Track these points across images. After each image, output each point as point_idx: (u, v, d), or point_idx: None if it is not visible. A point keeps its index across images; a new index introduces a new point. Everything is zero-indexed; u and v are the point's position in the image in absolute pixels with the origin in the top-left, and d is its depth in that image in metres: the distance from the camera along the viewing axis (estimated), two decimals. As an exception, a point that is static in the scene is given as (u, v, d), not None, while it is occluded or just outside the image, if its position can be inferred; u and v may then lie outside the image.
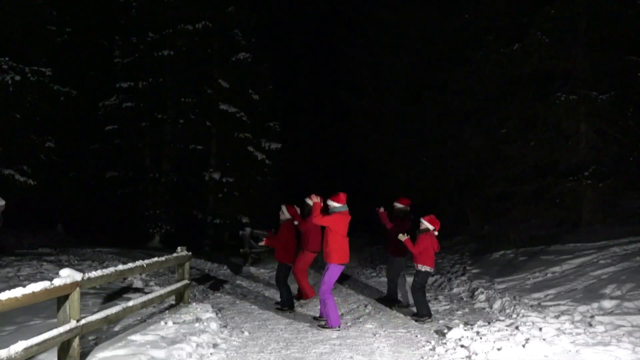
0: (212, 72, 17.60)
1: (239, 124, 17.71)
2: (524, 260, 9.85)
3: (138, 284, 8.41)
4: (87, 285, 4.72)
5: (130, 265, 5.69)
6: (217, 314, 7.08)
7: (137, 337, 5.38)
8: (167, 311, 6.78)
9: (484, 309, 7.53)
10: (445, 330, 6.09)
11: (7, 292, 3.66)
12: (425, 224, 6.99)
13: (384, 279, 10.05)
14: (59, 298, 4.38)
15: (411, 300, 7.51)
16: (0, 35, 12.79)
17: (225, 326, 6.55)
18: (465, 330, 5.86)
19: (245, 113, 17.73)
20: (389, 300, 8.06)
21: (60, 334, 4.24)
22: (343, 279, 10.29)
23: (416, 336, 6.19)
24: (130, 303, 5.65)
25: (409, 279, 8.02)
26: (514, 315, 6.49)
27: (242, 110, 17.71)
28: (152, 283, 8.77)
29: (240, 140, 17.76)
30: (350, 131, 21.72)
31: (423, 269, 6.99)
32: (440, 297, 8.59)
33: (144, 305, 6.03)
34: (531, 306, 7.00)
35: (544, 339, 5.18)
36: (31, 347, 3.83)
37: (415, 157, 19.22)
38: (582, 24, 11.88)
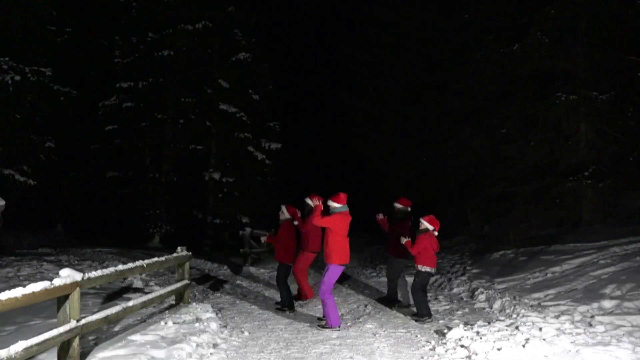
0: (212, 72, 17.60)
1: (239, 124, 17.71)
2: (524, 260, 9.85)
3: (138, 284, 8.41)
4: (87, 285, 4.72)
5: (130, 265, 5.69)
6: (217, 314, 7.08)
7: (137, 337, 5.38)
8: (167, 311, 6.78)
9: (484, 309, 7.53)
10: (445, 330, 6.09)
11: (7, 292, 3.66)
12: (425, 224, 6.99)
13: (384, 279, 10.05)
14: (59, 298, 4.38)
15: (411, 301, 7.51)
16: (0, 35, 12.79)
17: (225, 326, 6.55)
18: (465, 330, 5.86)
19: (245, 113, 17.73)
20: (389, 301, 8.06)
21: (60, 334, 4.24)
22: (343, 279, 10.28)
23: (416, 336, 6.19)
24: (130, 303, 5.65)
25: (409, 279, 8.02)
26: (514, 315, 6.49)
27: (242, 110, 17.71)
28: (152, 283, 8.77)
29: (240, 140, 17.76)
30: (350, 131, 21.72)
31: (423, 270, 6.99)
32: (440, 297, 8.59)
33: (144, 305, 6.03)
34: (531, 306, 7.00)
35: (544, 339, 5.18)
36: (31, 347, 3.83)
37: (415, 157, 19.22)
38: (582, 24, 11.88)
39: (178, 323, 6.04)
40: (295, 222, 8.10)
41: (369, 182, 22.50)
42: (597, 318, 6.11)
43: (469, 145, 15.19)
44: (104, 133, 17.83)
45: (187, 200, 17.76)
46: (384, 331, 6.43)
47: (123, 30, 17.91)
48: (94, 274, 4.83)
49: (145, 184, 17.60)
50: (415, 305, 7.14)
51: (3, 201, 9.58)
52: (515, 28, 12.19)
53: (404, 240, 7.10)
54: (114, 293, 7.57)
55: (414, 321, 6.94)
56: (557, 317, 6.24)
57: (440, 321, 6.89)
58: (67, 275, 4.38)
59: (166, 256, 6.80)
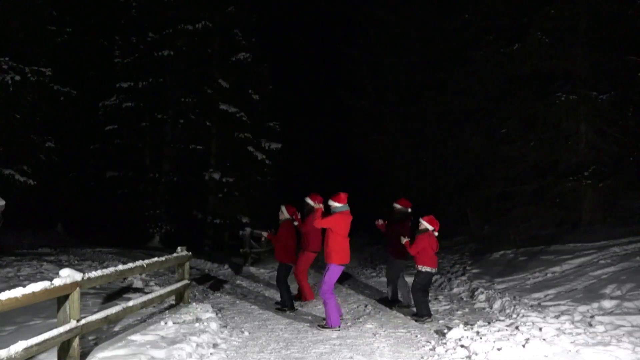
0: (212, 72, 17.60)
1: (239, 124, 17.71)
2: (524, 260, 9.84)
3: (138, 284, 8.41)
4: (87, 285, 4.73)
5: (130, 265, 5.69)
6: (217, 314, 7.08)
7: (137, 337, 5.38)
8: (167, 311, 6.78)
9: (484, 309, 7.53)
10: (445, 330, 6.09)
11: (7, 292, 3.66)
12: (424, 224, 6.99)
13: (384, 279, 10.05)
14: (59, 298, 4.38)
15: (412, 301, 7.51)
16: (0, 35, 12.79)
17: (225, 326, 6.56)
18: (465, 330, 5.86)
19: (245, 113, 17.74)
20: (390, 301, 8.05)
21: (60, 334, 4.24)
22: (343, 279, 10.28)
23: (416, 336, 6.19)
24: (130, 303, 5.65)
25: (409, 279, 8.02)
26: (514, 315, 6.49)
27: (242, 110, 17.72)
28: (152, 283, 8.77)
29: (240, 140, 17.77)
30: (350, 131, 21.72)
31: (424, 270, 6.99)
32: (440, 297, 8.59)
33: (144, 305, 6.03)
34: (531, 306, 7.00)
35: (544, 339, 5.18)
36: (31, 347, 3.83)
37: (415, 157, 19.22)
38: (582, 24, 11.88)
39: (178, 323, 6.04)
40: (295, 223, 8.10)
41: (369, 182, 22.50)
42: (597, 318, 6.11)
43: (469, 145, 15.18)
44: (104, 133, 17.83)
45: (187, 200, 17.77)
46: (384, 331, 6.43)
47: (123, 30, 17.91)
48: (94, 274, 4.83)
49: (145, 184, 17.60)
50: (415, 305, 7.14)
51: (3, 201, 9.58)
52: (515, 28, 12.19)
53: (403, 240, 7.11)
54: (114, 293, 7.58)
55: (414, 321, 6.94)
56: (557, 317, 6.23)
57: (440, 321, 6.89)
58: (67, 275, 4.38)
59: (166, 256, 6.80)
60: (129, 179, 17.76)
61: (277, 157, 19.22)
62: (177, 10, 17.14)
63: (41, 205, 17.57)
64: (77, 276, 4.48)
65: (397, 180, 19.86)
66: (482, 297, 8.00)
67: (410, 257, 7.61)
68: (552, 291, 7.60)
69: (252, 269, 12.23)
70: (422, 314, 6.94)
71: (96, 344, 5.17)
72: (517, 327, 5.65)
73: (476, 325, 6.04)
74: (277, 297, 8.38)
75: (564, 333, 5.39)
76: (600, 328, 5.73)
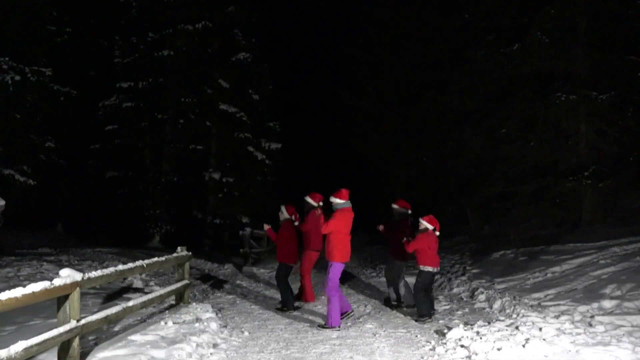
0: (212, 72, 17.60)
1: (239, 124, 17.71)
2: (524, 260, 9.84)
3: (138, 284, 8.42)
4: (87, 285, 4.73)
5: (130, 265, 5.69)
6: (217, 314, 7.08)
7: (137, 337, 5.38)
8: (167, 311, 6.78)
9: (484, 309, 7.53)
10: (445, 330, 6.09)
11: (7, 292, 3.66)
12: (424, 223, 7.00)
13: (384, 279, 10.04)
14: (59, 298, 4.38)
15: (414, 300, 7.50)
16: (0, 35, 12.79)
17: (225, 326, 6.56)
18: (465, 330, 5.86)
19: (245, 113, 17.74)
20: (394, 302, 8.01)
21: (60, 334, 4.24)
22: (343, 279, 10.24)
23: (416, 336, 6.19)
24: (130, 303, 5.65)
25: (409, 279, 8.02)
26: (514, 315, 6.49)
27: (242, 110, 17.72)
28: (152, 283, 8.78)
29: (240, 140, 17.77)
30: (350, 131, 21.70)
31: (425, 269, 6.99)
32: (440, 297, 8.58)
33: (144, 305, 6.03)
34: (531, 306, 6.99)
35: (544, 339, 5.17)
36: (31, 347, 3.83)
37: (415, 157, 19.21)
38: (582, 24, 11.88)
39: (178, 323, 6.04)
40: (296, 223, 8.09)
41: (369, 182, 22.48)
42: (597, 318, 6.11)
43: (469, 145, 15.18)
44: (104, 133, 17.83)
45: (187, 200, 17.77)
46: (384, 331, 6.43)
47: (123, 30, 17.91)
48: (94, 274, 4.83)
49: (145, 184, 17.60)
50: (416, 305, 7.14)
51: (3, 201, 9.59)
52: (515, 28, 12.18)
53: (404, 240, 7.14)
54: (114, 293, 7.58)
55: (414, 321, 6.95)
56: (557, 317, 6.23)
57: (440, 321, 6.89)
58: (67, 275, 4.38)
59: (166, 256, 6.80)
60: (129, 179, 17.76)
61: (277, 157, 19.22)
62: (177, 10, 17.14)
63: (41, 205, 17.57)
64: (77, 276, 4.48)
65: (397, 180, 19.85)
66: (482, 297, 8.00)
67: (410, 258, 7.61)
68: (552, 291, 7.60)
69: (252, 269, 12.23)
70: (422, 313, 6.95)
71: (96, 344, 5.17)
72: (517, 327, 5.65)
73: (476, 325, 6.04)
74: (278, 297, 8.38)
75: (564, 333, 5.39)
76: (600, 328, 5.73)
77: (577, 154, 12.02)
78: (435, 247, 7.02)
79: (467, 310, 7.57)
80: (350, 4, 21.15)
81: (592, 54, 11.83)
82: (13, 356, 3.60)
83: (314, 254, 8.22)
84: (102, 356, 4.83)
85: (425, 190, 18.39)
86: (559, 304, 6.91)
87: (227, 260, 13.15)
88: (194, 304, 7.17)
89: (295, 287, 8.45)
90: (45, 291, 4.00)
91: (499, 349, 5.04)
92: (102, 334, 5.59)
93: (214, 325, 6.16)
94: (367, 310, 7.70)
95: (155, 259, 6.40)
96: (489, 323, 6.10)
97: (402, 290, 7.91)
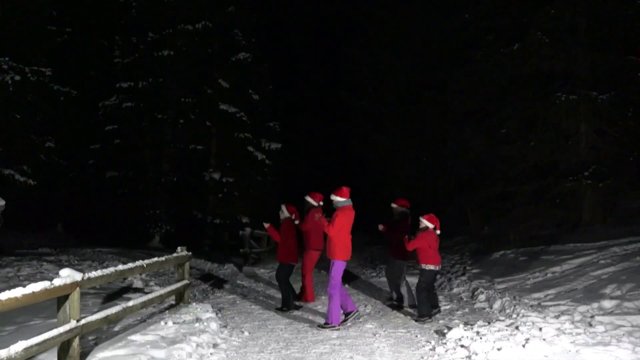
0: (212, 72, 17.60)
1: (239, 124, 17.71)
2: (524, 260, 9.84)
3: (138, 284, 8.41)
4: (87, 285, 4.72)
5: (130, 265, 5.69)
6: (217, 314, 7.08)
7: (137, 337, 5.38)
8: (167, 311, 6.78)
9: (484, 309, 7.53)
10: (445, 330, 6.09)
11: (7, 292, 3.66)
12: (425, 222, 7.00)
13: (384, 279, 10.04)
14: (59, 298, 4.38)
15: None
16: (0, 35, 12.79)
17: (225, 326, 6.56)
18: (465, 330, 5.86)
19: (245, 113, 17.74)
20: (397, 303, 7.99)
21: (60, 334, 4.24)
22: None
23: (416, 336, 6.19)
24: (130, 303, 5.65)
25: (410, 279, 8.02)
26: (514, 315, 6.49)
27: (242, 110, 17.72)
28: (152, 283, 8.78)
29: (240, 140, 17.77)
30: (350, 131, 21.70)
31: (427, 268, 6.98)
32: (440, 297, 8.56)
33: (144, 305, 6.03)
34: (531, 306, 6.99)
35: (544, 339, 5.17)
36: (31, 347, 3.83)
37: (415, 157, 19.20)
38: (582, 24, 11.88)
39: (178, 323, 6.04)
40: (296, 222, 8.09)
41: (369, 182, 22.48)
42: (597, 318, 6.11)
43: (469, 145, 15.18)
44: (104, 133, 17.83)
45: (187, 200, 17.77)
46: (384, 331, 6.43)
47: (123, 30, 17.91)
48: (94, 274, 4.83)
49: (145, 184, 17.60)
50: (417, 304, 7.13)
51: (3, 201, 9.58)
52: (515, 28, 12.18)
53: (405, 238, 7.12)
54: (114, 293, 7.58)
55: (414, 321, 6.95)
56: (557, 317, 6.23)
57: (440, 321, 6.89)
58: (67, 275, 4.37)
59: (166, 256, 6.80)
60: (129, 179, 17.76)
61: (277, 157, 19.22)
62: (177, 10, 17.14)
63: (41, 205, 17.59)
64: (77, 276, 4.48)
65: (397, 180, 19.84)
66: (482, 297, 8.00)
67: (410, 257, 7.61)
68: (552, 291, 7.60)
69: (252, 269, 12.22)
70: (422, 313, 6.94)
71: (96, 344, 5.17)
72: (517, 327, 5.65)
73: (476, 325, 6.04)
74: (278, 297, 8.38)
75: (564, 333, 5.39)
76: (600, 328, 5.73)
77: (577, 154, 12.02)
78: (435, 246, 7.02)
79: (467, 310, 7.57)
80: (350, 4, 21.18)
81: (592, 54, 11.83)
82: (13, 356, 3.60)
83: (315, 253, 8.22)
84: (102, 356, 4.83)
85: (425, 190, 18.38)
86: (559, 304, 6.91)
87: (227, 260, 13.15)
88: (194, 304, 7.17)
89: (297, 287, 8.44)
90: (45, 291, 4.00)
91: (499, 349, 5.04)
92: (102, 334, 5.59)
93: (214, 325, 6.16)
94: (367, 310, 7.70)
95: (155, 259, 6.40)
96: (489, 323, 6.10)
97: (403, 290, 7.91)
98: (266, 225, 8.12)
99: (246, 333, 6.35)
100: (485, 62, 13.00)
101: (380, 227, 8.10)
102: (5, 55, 12.66)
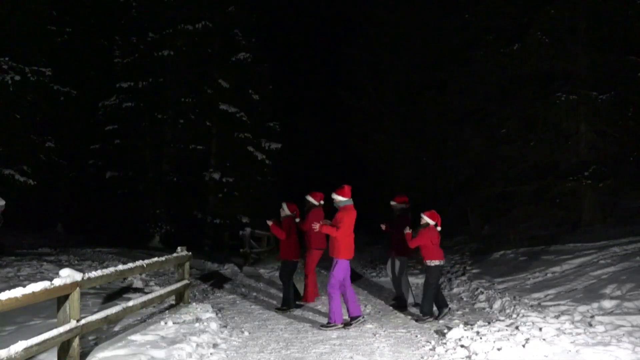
0: (212, 72, 17.60)
1: (239, 124, 17.72)
2: (524, 261, 9.85)
3: (138, 284, 8.41)
4: (87, 285, 4.72)
5: (130, 265, 5.69)
6: (217, 314, 7.08)
7: (137, 337, 5.38)
8: (167, 311, 6.78)
9: (484, 309, 7.53)
10: (445, 330, 6.09)
11: (7, 292, 3.66)
12: (426, 218, 6.98)
13: (384, 279, 10.05)
14: (59, 298, 4.38)
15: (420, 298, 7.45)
16: (0, 35, 12.79)
17: (225, 326, 6.56)
18: (465, 330, 5.86)
19: (245, 113, 17.75)
20: (401, 303, 7.97)
21: (60, 334, 4.24)
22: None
23: (416, 336, 6.19)
24: (130, 303, 5.65)
25: (410, 279, 8.02)
26: (514, 315, 6.49)
27: (242, 110, 17.72)
28: (152, 283, 8.78)
29: (240, 140, 17.77)
30: (350, 131, 21.71)
31: (432, 264, 6.94)
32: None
33: (144, 305, 6.03)
34: (531, 306, 6.99)
35: (544, 339, 5.17)
36: (31, 347, 3.83)
37: (415, 157, 19.20)
38: (582, 24, 11.88)
39: (178, 323, 6.04)
40: (297, 220, 8.08)
41: (369, 182, 22.49)
42: (597, 318, 6.11)
43: (469, 145, 15.18)
44: (104, 133, 17.83)
45: (187, 200, 17.77)
46: (384, 331, 6.43)
47: (123, 30, 17.91)
48: (94, 274, 4.83)
49: (145, 184, 17.60)
50: (422, 301, 7.09)
51: (3, 201, 9.58)
52: (515, 28, 12.17)
53: (407, 231, 7.07)
54: (114, 293, 7.58)
55: (414, 321, 6.94)
56: (557, 317, 6.23)
57: (440, 321, 6.88)
58: (67, 275, 4.37)
59: (166, 256, 6.80)
60: (129, 179, 17.75)
61: (277, 157, 19.23)
62: (177, 10, 17.14)
63: (41, 205, 17.59)
64: (77, 276, 4.48)
65: (397, 180, 19.83)
66: (482, 297, 8.00)
67: (412, 254, 7.60)
68: (552, 291, 7.60)
69: (253, 269, 12.23)
70: (424, 311, 6.93)
71: (96, 344, 5.17)
72: (517, 327, 5.65)
73: (476, 325, 6.04)
74: (278, 296, 8.38)
75: (564, 333, 5.39)
76: (600, 328, 5.72)
77: (577, 154, 12.01)
78: (437, 242, 7.01)
79: (467, 310, 7.57)
80: (350, 4, 21.20)
81: (592, 54, 11.83)
82: (13, 356, 3.60)
83: (317, 252, 8.20)
84: (102, 356, 4.83)
85: (425, 190, 18.38)
86: (559, 304, 6.91)
87: (227, 260, 13.15)
88: (194, 304, 7.17)
89: (300, 287, 8.43)
90: (45, 291, 4.00)
91: (499, 349, 5.04)
92: (102, 334, 5.59)
93: (214, 325, 6.16)
94: (367, 310, 7.70)
95: (155, 259, 6.40)
96: (489, 323, 6.10)
97: (403, 289, 7.91)
98: (269, 222, 8.09)
99: (246, 333, 6.35)
100: (485, 62, 12.99)
101: (383, 226, 8.10)
102: (5, 55, 12.66)
